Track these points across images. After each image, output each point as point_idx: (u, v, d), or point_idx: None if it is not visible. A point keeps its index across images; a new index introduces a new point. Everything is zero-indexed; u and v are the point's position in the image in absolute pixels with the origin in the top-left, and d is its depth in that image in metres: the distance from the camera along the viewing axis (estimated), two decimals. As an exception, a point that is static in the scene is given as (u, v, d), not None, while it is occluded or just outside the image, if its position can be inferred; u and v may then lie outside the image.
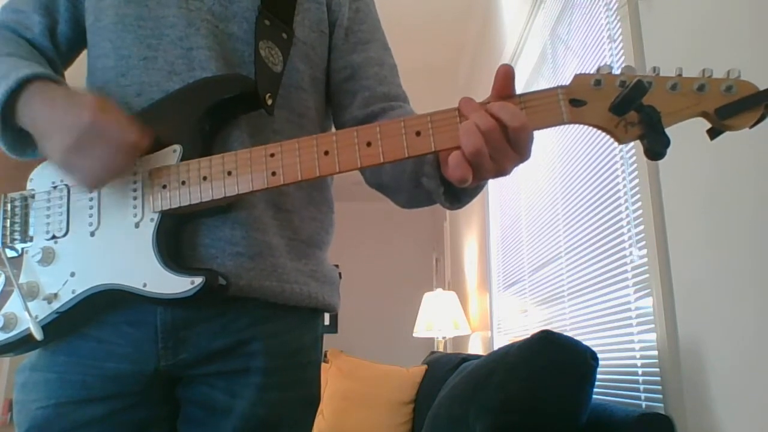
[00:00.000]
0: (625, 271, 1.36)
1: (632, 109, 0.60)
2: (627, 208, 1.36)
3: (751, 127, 0.60)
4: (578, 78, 0.63)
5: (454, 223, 4.50)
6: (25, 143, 0.73)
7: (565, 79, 1.90)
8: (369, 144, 0.64)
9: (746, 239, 0.94)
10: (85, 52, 0.87)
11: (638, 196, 1.29)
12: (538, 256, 2.18)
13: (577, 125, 0.64)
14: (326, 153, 0.65)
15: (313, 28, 0.86)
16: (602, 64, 0.63)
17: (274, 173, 0.66)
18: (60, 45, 0.85)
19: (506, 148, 0.61)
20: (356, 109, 0.86)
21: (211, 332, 0.74)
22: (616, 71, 0.63)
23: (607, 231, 1.48)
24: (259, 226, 0.76)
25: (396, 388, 2.88)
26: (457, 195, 0.71)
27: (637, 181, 1.29)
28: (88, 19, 0.83)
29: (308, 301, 0.80)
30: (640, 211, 1.28)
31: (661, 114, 0.59)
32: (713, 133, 0.62)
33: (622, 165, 1.39)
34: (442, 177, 0.68)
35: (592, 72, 0.63)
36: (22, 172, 0.77)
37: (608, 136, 0.63)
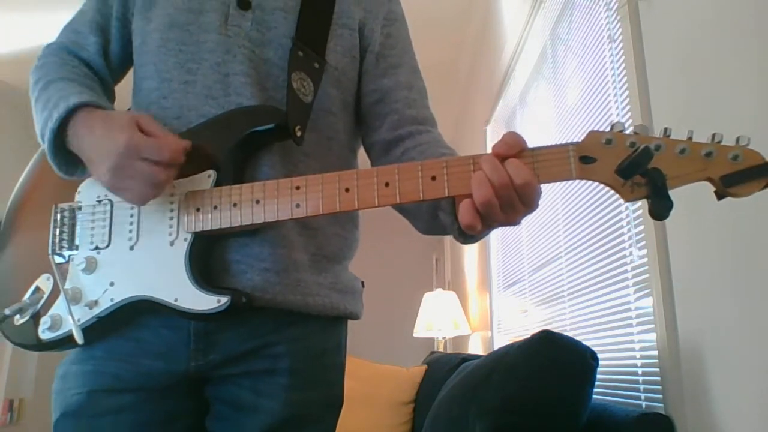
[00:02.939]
0: (625, 271, 1.36)
1: (638, 174, 0.62)
2: (627, 208, 1.36)
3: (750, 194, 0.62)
4: (591, 135, 0.65)
5: (454, 223, 4.49)
6: (74, 164, 0.79)
7: (565, 80, 1.90)
8: (387, 184, 0.68)
9: (746, 239, 0.94)
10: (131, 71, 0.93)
11: (638, 196, 1.29)
12: (538, 256, 2.18)
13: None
14: (347, 190, 0.70)
15: (345, 54, 0.89)
16: (615, 122, 0.65)
17: (298, 205, 0.71)
18: (111, 62, 0.92)
19: (516, 202, 0.64)
20: (385, 132, 0.90)
21: (239, 336, 0.79)
22: (629, 131, 0.64)
23: (607, 231, 1.48)
24: (286, 244, 0.80)
25: (396, 388, 2.88)
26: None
27: (637, 181, 1.29)
28: (136, 41, 0.89)
29: (330, 310, 0.85)
30: (640, 211, 1.28)
31: (667, 177, 0.62)
32: (719, 197, 0.64)
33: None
34: (457, 214, 0.71)
35: (602, 125, 0.66)
36: (71, 183, 0.82)
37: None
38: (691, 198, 1.09)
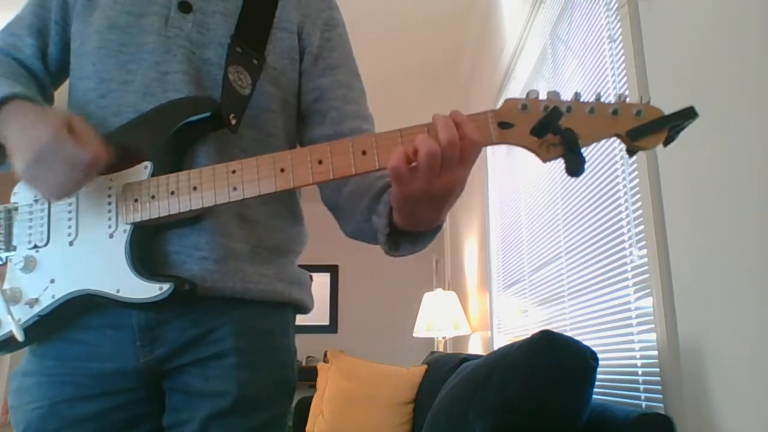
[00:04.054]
0: (625, 271, 1.36)
1: (550, 132, 0.66)
2: (627, 208, 1.36)
3: (665, 146, 0.67)
4: (508, 102, 0.70)
5: (454, 223, 4.50)
6: (2, 156, 0.78)
7: (565, 79, 1.90)
8: (320, 162, 0.70)
9: (746, 239, 0.94)
10: None
11: (638, 196, 1.29)
12: (538, 256, 2.18)
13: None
14: (282, 170, 0.71)
15: (284, 56, 0.91)
16: (531, 89, 0.70)
17: (235, 188, 0.72)
18: (50, 66, 0.92)
19: (455, 160, 0.66)
20: (327, 128, 0.91)
21: (182, 327, 0.79)
22: (543, 97, 0.69)
23: (607, 231, 1.48)
24: (224, 233, 0.81)
25: (396, 388, 2.88)
26: (397, 243, 0.78)
27: (637, 181, 1.29)
28: (74, 43, 0.89)
29: (273, 296, 0.85)
30: (640, 211, 1.28)
31: (579, 136, 0.66)
32: (629, 153, 0.70)
33: (622, 165, 1.39)
34: (391, 221, 0.75)
35: (521, 96, 0.70)
36: (6, 186, 0.82)
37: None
38: (691, 198, 1.10)
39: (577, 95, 0.68)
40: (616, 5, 1.41)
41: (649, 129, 0.66)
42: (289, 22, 0.92)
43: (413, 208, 0.70)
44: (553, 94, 0.69)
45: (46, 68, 0.91)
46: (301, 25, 0.94)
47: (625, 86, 1.34)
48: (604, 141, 0.70)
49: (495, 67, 2.89)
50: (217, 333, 0.80)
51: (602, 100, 0.68)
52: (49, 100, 0.92)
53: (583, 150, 0.66)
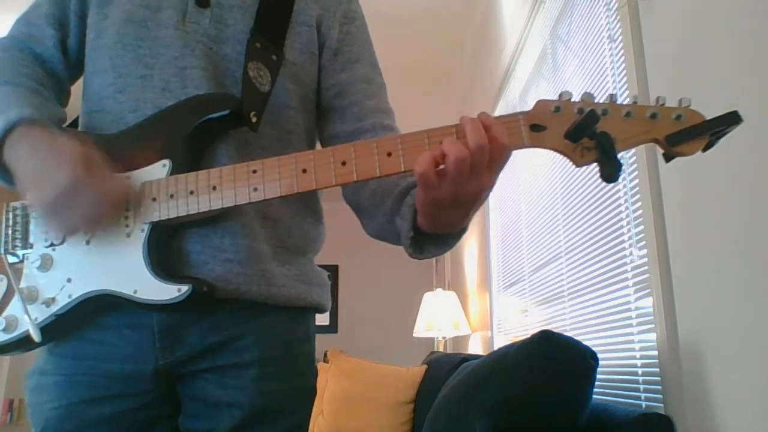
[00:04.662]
0: (625, 271, 1.36)
1: (585, 136, 0.63)
2: (627, 208, 1.36)
3: (704, 151, 0.64)
4: (540, 104, 0.66)
5: (454, 223, 4.49)
6: (7, 176, 0.75)
7: (565, 79, 1.90)
8: (344, 163, 0.68)
9: (746, 239, 0.94)
10: None
11: (638, 196, 1.29)
12: (538, 256, 2.18)
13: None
14: (304, 171, 0.69)
15: (303, 50, 0.89)
16: (564, 91, 0.67)
17: (255, 189, 0.71)
18: (70, 58, 0.88)
19: (483, 165, 0.63)
20: (347, 124, 0.90)
21: (203, 331, 0.78)
22: (576, 98, 0.66)
23: (607, 231, 1.48)
24: (248, 234, 0.79)
25: (396, 388, 2.88)
26: (422, 246, 0.76)
27: (637, 181, 1.29)
28: (89, 35, 0.87)
29: (296, 301, 0.83)
30: (640, 211, 1.28)
31: (615, 140, 0.63)
32: (667, 158, 0.66)
33: (622, 165, 1.38)
34: (415, 224, 0.73)
35: (553, 98, 0.67)
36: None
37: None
38: (691, 198, 1.10)
39: (612, 97, 0.65)
40: (616, 5, 1.41)
41: (690, 134, 0.63)
42: (308, 15, 0.90)
43: (439, 213, 0.68)
44: (588, 96, 0.66)
45: (66, 62, 0.88)
46: (320, 18, 0.92)
47: (625, 86, 1.34)
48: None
49: (495, 67, 2.89)
50: (240, 342, 0.79)
51: (638, 102, 0.65)
52: (65, 97, 0.90)
53: (619, 155, 0.63)
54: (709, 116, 0.64)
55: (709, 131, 0.63)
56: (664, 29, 1.21)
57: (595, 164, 0.65)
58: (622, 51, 1.37)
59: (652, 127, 0.64)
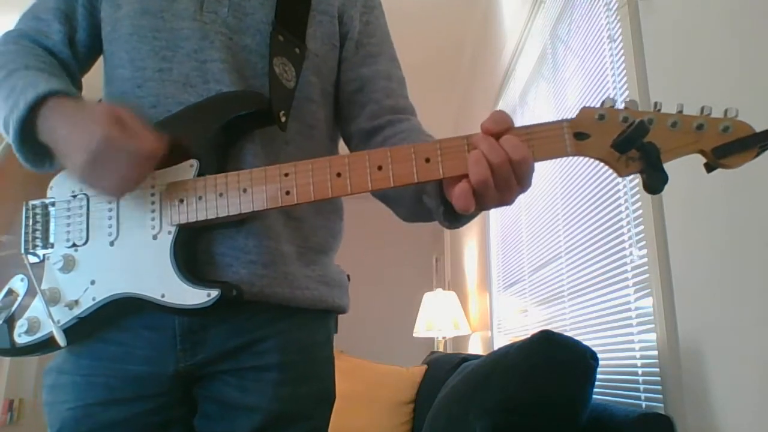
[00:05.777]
0: (625, 271, 1.36)
1: (633, 148, 0.62)
2: (627, 208, 1.36)
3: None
4: (584, 111, 0.65)
5: (454, 223, 4.49)
6: (42, 156, 0.74)
7: (565, 79, 1.90)
8: (380, 168, 0.66)
9: (746, 239, 0.94)
10: (101, 60, 0.89)
11: (638, 196, 1.29)
12: (538, 256, 2.18)
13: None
14: (339, 175, 0.67)
15: (324, 41, 0.87)
16: (606, 97, 0.65)
17: (288, 192, 0.68)
18: (78, 53, 0.87)
19: (511, 179, 0.63)
20: (363, 121, 0.88)
21: (226, 333, 0.77)
22: (620, 105, 0.64)
23: (607, 231, 1.48)
24: (272, 235, 0.78)
25: (396, 388, 2.88)
26: (456, 215, 0.72)
27: (637, 180, 1.29)
28: (105, 29, 0.85)
29: (319, 303, 0.83)
30: (640, 211, 1.28)
31: (661, 151, 0.62)
32: (708, 168, 0.64)
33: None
34: (443, 197, 0.70)
35: (596, 105, 0.65)
36: (41, 179, 0.78)
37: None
38: (691, 198, 1.10)
39: (657, 105, 0.64)
40: (616, 5, 1.41)
41: (738, 147, 0.61)
42: (329, 4, 0.89)
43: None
44: (632, 104, 0.64)
45: (74, 55, 0.86)
46: (342, 8, 0.90)
47: (625, 86, 1.34)
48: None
49: (495, 66, 2.89)
50: (262, 345, 0.78)
51: (683, 112, 0.64)
52: (78, 89, 0.88)
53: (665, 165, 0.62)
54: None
55: (759, 144, 0.61)
56: (664, 29, 1.21)
57: (640, 175, 0.64)
58: (622, 51, 1.37)
59: (699, 138, 0.62)
